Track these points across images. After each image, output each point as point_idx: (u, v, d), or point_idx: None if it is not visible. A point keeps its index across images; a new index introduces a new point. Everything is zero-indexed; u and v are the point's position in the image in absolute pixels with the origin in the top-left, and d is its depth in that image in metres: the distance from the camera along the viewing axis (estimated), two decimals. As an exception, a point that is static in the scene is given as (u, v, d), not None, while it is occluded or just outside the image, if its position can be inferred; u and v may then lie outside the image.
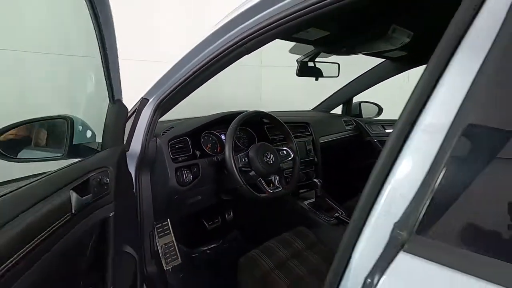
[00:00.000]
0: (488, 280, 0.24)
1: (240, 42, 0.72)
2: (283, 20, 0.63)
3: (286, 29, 0.66)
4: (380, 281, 0.28)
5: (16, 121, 0.75)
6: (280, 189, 1.09)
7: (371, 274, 0.28)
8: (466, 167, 0.29)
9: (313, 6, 0.58)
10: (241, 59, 0.76)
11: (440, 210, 0.28)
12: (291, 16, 0.62)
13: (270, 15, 0.64)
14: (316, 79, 1.24)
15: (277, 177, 1.13)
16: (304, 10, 0.60)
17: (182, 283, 1.17)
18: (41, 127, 0.82)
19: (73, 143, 0.79)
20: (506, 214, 0.25)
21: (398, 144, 0.32)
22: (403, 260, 0.28)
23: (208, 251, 1.41)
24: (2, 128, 0.70)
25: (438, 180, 0.28)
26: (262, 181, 1.05)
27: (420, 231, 0.28)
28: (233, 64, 0.80)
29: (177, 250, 1.14)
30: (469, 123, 0.29)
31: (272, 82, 4.04)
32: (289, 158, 1.16)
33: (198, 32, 0.78)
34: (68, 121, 0.78)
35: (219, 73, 0.83)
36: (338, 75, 1.32)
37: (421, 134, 0.31)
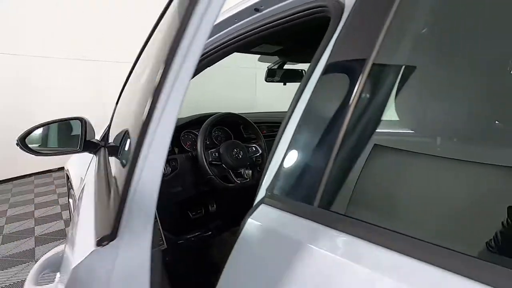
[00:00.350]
0: (305, 218, 0.41)
1: (206, 54, 0.90)
2: (238, 37, 0.81)
3: (242, 45, 0.84)
4: (247, 222, 0.45)
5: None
6: (248, 180, 1.26)
7: (243, 219, 0.46)
8: (303, 146, 0.46)
9: (259, 28, 0.76)
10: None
11: (286, 176, 0.46)
12: (244, 35, 0.80)
13: (228, 33, 0.82)
14: (284, 84, 1.41)
15: (249, 171, 1.31)
16: (254, 31, 0.77)
17: (167, 265, 1.35)
18: (61, 127, 1.05)
19: (86, 139, 1.01)
20: (322, 173, 0.42)
21: (278, 139, 0.50)
22: (261, 209, 0.46)
23: (192, 239, 1.58)
24: (30, 128, 0.91)
25: (285, 156, 0.46)
26: (231, 173, 1.23)
27: (275, 191, 0.46)
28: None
29: (163, 237, 1.31)
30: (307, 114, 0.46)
31: (267, 83, 4.16)
32: (258, 154, 1.33)
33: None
34: (82, 121, 1.01)
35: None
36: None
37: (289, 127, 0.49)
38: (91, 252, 0.35)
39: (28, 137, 0.93)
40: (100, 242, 0.34)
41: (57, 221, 2.50)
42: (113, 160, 0.75)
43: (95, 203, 0.58)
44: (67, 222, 2.45)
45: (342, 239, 0.36)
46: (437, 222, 0.40)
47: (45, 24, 3.77)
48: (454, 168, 0.44)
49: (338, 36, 0.49)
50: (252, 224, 0.45)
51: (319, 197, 0.41)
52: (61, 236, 2.25)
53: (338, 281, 0.34)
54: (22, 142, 0.90)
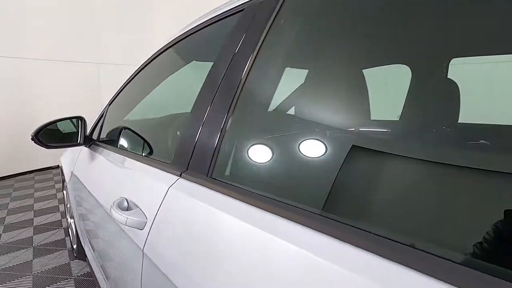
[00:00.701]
0: (202, 185, 0.61)
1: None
2: None
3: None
4: (168, 191, 0.65)
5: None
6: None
7: (168, 189, 0.66)
8: (203, 133, 0.66)
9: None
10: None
11: (195, 156, 0.65)
12: None
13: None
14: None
15: None
16: None
17: None
18: (64, 124, 1.31)
19: (86, 134, 1.26)
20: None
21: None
22: (178, 181, 0.65)
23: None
24: (41, 125, 1.16)
25: (196, 140, 0.65)
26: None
27: (190, 167, 0.66)
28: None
29: None
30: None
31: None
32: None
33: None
34: (82, 119, 1.25)
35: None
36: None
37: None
38: (178, 179, 0.65)
39: (40, 132, 1.17)
40: (180, 174, 0.66)
41: (54, 213, 2.73)
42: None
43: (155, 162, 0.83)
44: (63, 214, 2.67)
45: (219, 198, 0.55)
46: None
47: (46, 29, 4.00)
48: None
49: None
50: (170, 191, 0.65)
51: (211, 170, 0.61)
52: (57, 226, 2.47)
53: (210, 224, 0.54)
54: (36, 137, 1.14)
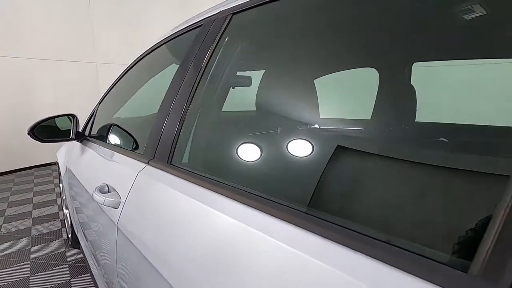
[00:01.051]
0: (163, 170, 0.74)
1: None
2: None
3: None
4: (138, 175, 0.79)
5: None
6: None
7: (137, 174, 0.79)
8: (165, 128, 0.79)
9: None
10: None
11: (160, 146, 0.78)
12: None
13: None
14: (233, 88, 1.74)
15: None
16: None
17: None
18: (59, 120, 1.47)
19: (78, 130, 1.42)
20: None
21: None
22: (146, 168, 0.79)
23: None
24: (37, 121, 1.32)
25: (161, 133, 0.79)
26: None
27: (155, 157, 0.79)
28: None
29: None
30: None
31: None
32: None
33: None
34: (74, 117, 1.41)
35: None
36: (251, 85, 1.81)
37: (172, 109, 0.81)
38: (146, 166, 0.78)
39: (36, 128, 1.32)
40: (148, 161, 0.78)
41: (52, 206, 2.87)
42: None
43: (126, 153, 0.99)
44: (60, 207, 2.81)
45: (176, 181, 0.68)
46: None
47: (45, 29, 4.15)
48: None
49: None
50: (139, 176, 0.78)
51: (170, 158, 0.74)
52: (54, 218, 2.61)
53: (167, 201, 0.67)
54: (32, 132, 1.29)
